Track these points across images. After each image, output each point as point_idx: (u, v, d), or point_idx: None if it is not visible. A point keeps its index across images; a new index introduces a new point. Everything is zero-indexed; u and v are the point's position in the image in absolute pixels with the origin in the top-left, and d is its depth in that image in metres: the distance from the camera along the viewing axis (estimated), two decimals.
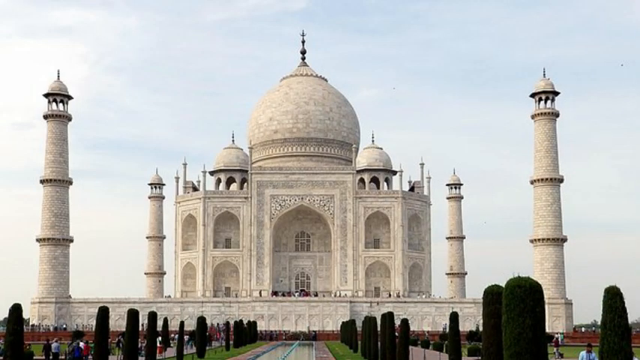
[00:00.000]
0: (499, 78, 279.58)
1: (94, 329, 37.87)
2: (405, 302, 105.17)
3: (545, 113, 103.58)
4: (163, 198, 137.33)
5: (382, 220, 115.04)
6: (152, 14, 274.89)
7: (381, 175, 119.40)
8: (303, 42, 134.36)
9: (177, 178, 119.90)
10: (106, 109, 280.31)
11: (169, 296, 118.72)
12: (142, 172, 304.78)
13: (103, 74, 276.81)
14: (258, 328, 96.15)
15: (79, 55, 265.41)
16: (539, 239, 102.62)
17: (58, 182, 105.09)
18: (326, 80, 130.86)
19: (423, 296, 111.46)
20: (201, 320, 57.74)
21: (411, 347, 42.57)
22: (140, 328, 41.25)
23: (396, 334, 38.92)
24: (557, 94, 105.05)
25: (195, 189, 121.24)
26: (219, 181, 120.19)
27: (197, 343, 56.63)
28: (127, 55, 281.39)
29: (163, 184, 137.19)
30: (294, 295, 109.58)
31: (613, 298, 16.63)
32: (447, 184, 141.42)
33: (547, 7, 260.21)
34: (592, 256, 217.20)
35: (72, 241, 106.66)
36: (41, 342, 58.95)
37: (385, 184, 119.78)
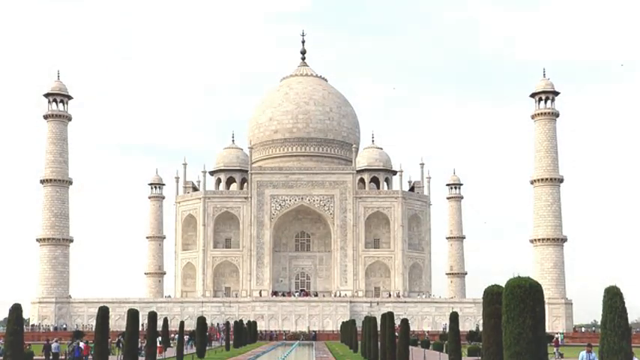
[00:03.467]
0: (499, 78, 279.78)
1: (94, 329, 37.88)
2: (405, 302, 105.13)
3: (545, 113, 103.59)
4: (163, 198, 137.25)
5: (382, 220, 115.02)
6: (153, 14, 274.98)
7: (381, 175, 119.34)
8: (303, 42, 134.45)
9: (177, 178, 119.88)
10: (106, 109, 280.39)
11: (169, 296, 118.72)
12: (142, 172, 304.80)
13: (103, 74, 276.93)
14: (258, 328, 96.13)
15: (79, 55, 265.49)
16: (539, 239, 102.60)
17: (58, 182, 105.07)
18: (326, 80, 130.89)
19: (423, 296, 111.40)
20: (201, 320, 57.75)
21: (411, 347, 42.54)
22: (140, 328, 41.26)
23: (396, 334, 38.93)
24: (557, 94, 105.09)
25: (195, 189, 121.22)
26: (219, 181, 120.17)
27: (197, 343, 56.64)
28: (127, 55, 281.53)
29: (163, 184, 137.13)
30: (294, 295, 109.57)
31: (613, 298, 16.63)
32: (447, 184, 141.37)
33: (547, 7, 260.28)
34: (592, 256, 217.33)
35: (72, 241, 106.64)
36: (41, 342, 58.96)
37: (385, 184, 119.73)
